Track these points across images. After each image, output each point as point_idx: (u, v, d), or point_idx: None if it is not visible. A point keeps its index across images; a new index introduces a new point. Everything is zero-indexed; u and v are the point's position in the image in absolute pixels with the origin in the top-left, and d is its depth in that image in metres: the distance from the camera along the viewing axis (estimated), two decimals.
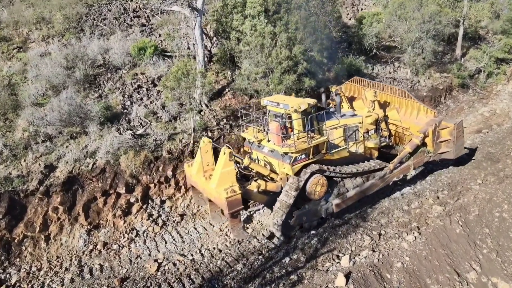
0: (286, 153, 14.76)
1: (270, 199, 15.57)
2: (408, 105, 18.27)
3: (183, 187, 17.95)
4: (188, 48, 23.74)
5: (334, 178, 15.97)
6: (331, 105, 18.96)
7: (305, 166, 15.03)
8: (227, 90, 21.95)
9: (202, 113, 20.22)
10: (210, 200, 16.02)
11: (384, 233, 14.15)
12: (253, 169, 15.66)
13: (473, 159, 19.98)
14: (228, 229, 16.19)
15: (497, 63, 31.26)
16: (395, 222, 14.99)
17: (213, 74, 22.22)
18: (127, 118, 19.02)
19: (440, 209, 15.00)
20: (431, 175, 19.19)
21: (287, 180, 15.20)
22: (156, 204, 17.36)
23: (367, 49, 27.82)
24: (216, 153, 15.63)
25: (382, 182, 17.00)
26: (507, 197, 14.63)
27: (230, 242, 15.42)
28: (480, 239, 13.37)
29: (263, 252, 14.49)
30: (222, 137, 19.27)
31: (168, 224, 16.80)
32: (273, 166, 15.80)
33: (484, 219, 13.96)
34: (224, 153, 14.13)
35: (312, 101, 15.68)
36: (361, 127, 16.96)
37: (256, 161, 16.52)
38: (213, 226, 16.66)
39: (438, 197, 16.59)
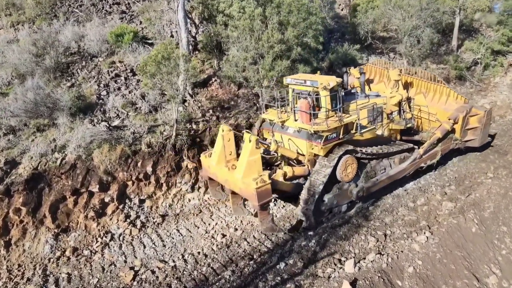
0: (316, 132, 13.53)
1: (296, 186, 14.20)
2: (437, 90, 17.49)
3: (164, 184, 16.18)
4: (172, 36, 21.98)
5: (363, 160, 14.88)
6: (349, 86, 18.25)
7: (335, 147, 13.91)
8: (213, 79, 20.27)
9: (186, 103, 18.48)
10: (233, 192, 14.47)
11: (390, 233, 12.61)
12: (277, 155, 14.56)
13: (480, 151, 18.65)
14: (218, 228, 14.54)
15: (493, 55, 30.32)
16: (400, 220, 13.49)
17: (198, 63, 20.47)
18: (102, 109, 17.18)
19: (451, 205, 13.53)
20: (435, 169, 17.75)
21: (315, 162, 13.95)
22: (134, 203, 15.54)
23: (362, 39, 26.40)
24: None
25: (411, 166, 16.02)
26: None
27: (217, 245, 13.70)
28: (498, 238, 11.95)
29: (255, 256, 12.78)
30: (208, 129, 17.57)
31: (148, 226, 14.98)
32: (299, 148, 14.47)
33: (501, 216, 12.56)
34: (250, 140, 12.66)
35: (339, 79, 14.64)
36: (385, 108, 16.43)
37: (282, 143, 15.21)
38: (198, 227, 14.92)
39: (445, 193, 15.18)
